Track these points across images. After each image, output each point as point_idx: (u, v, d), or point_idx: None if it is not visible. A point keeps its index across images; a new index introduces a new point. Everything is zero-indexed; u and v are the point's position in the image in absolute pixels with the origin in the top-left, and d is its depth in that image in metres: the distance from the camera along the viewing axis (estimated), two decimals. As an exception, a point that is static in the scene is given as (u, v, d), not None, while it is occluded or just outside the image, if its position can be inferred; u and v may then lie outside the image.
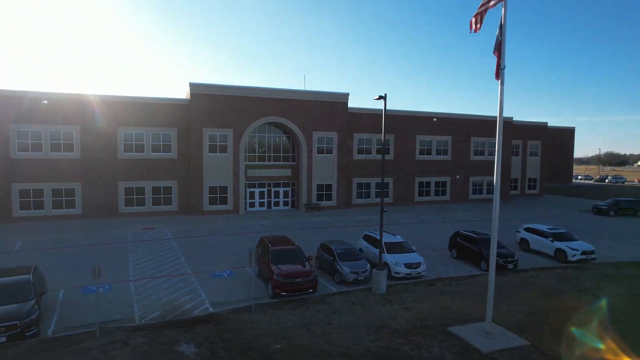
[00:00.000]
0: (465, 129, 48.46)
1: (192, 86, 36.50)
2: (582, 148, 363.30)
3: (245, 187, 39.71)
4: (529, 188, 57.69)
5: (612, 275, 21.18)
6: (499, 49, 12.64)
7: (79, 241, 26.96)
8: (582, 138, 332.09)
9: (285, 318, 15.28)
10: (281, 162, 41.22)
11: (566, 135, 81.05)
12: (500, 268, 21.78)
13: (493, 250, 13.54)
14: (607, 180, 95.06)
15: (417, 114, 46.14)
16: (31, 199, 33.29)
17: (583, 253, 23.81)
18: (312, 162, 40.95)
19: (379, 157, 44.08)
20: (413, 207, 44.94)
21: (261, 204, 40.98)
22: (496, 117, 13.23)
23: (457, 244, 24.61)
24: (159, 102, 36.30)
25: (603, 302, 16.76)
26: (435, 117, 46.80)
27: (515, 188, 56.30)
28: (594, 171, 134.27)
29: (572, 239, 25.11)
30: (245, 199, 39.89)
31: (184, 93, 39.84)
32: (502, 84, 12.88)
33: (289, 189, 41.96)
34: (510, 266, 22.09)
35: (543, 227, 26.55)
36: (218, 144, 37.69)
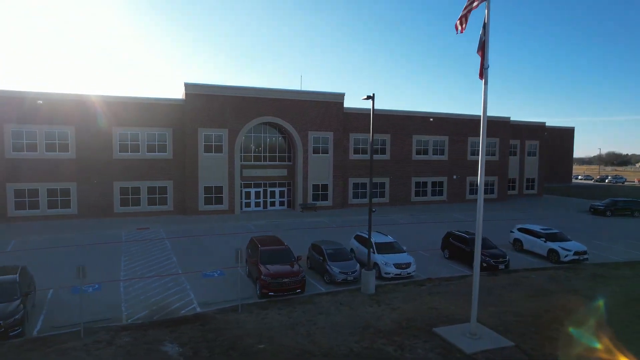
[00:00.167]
0: (462, 129, 48.28)
1: (187, 86, 36.54)
2: (583, 148, 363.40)
3: (241, 187, 39.73)
4: (527, 188, 57.47)
5: (603, 275, 21.14)
6: (482, 48, 12.63)
7: (73, 241, 26.99)
8: (582, 138, 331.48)
9: (272, 318, 15.28)
10: (277, 162, 41.21)
11: (566, 135, 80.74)
12: (491, 268, 21.83)
13: (477, 251, 13.50)
14: (607, 181, 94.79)
15: (414, 113, 46.09)
16: (26, 199, 33.37)
17: (575, 253, 23.75)
18: (307, 162, 40.95)
19: (375, 157, 44.04)
20: (410, 207, 44.88)
21: (257, 204, 40.99)
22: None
23: (450, 244, 24.56)
24: (154, 102, 36.35)
25: (593, 303, 16.75)
26: (431, 117, 46.71)
27: (513, 188, 56.08)
28: (595, 171, 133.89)
29: (565, 240, 25.05)
30: (241, 199, 39.92)
31: (182, 93, 39.89)
32: (485, 83, 12.89)
33: (284, 189, 41.96)
34: (502, 266, 22.05)
35: (536, 228, 26.49)
36: (213, 144, 37.71)
